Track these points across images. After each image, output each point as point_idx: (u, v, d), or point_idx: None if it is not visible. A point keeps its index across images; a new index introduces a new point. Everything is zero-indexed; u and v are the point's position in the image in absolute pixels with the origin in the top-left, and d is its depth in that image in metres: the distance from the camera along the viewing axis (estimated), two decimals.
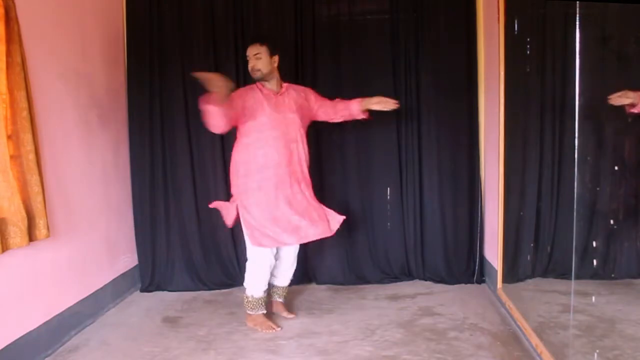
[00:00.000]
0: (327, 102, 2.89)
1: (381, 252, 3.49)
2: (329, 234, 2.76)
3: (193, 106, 3.41)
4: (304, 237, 2.72)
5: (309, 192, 2.79)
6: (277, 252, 2.82)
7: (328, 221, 2.77)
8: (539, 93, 2.96)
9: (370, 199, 3.48)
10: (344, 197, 3.44)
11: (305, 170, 2.80)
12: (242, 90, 2.75)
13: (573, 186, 2.27)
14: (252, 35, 3.19)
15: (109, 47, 3.31)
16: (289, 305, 3.02)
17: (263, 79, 2.71)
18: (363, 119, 2.88)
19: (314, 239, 2.75)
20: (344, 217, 2.81)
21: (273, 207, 2.67)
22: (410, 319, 2.80)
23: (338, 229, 2.80)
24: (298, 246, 2.89)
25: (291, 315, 2.91)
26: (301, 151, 2.77)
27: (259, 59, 2.67)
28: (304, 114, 2.80)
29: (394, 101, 2.76)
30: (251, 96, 2.70)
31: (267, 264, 2.73)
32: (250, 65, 2.70)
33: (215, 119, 2.47)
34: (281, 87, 2.77)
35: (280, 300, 2.95)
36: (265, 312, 2.80)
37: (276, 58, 2.72)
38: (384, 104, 2.75)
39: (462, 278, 3.38)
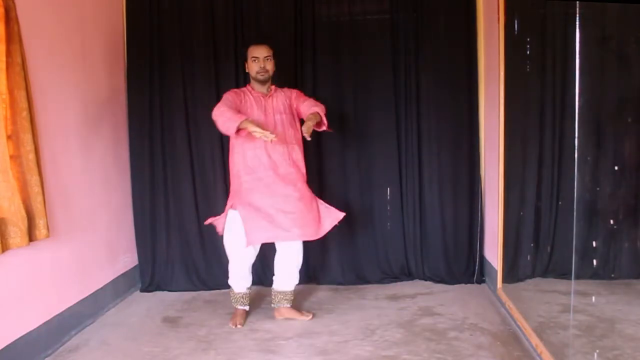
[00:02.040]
0: (306, 102, 2.83)
1: (381, 252, 3.49)
2: (313, 237, 2.78)
3: (193, 106, 3.43)
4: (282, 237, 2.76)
5: (301, 193, 2.76)
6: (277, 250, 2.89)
7: (319, 223, 2.78)
8: (539, 93, 2.96)
9: (370, 199, 3.48)
10: (344, 197, 3.44)
11: (301, 171, 2.82)
12: (233, 93, 2.77)
13: (573, 186, 2.27)
14: (256, 36, 3.25)
15: (109, 47, 3.31)
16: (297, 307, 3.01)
17: (266, 81, 2.79)
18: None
19: (298, 239, 2.79)
20: (334, 223, 2.81)
21: (264, 207, 2.72)
22: (410, 319, 2.80)
23: (331, 229, 2.83)
24: (297, 246, 2.86)
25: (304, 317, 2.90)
26: (293, 152, 2.78)
27: (270, 60, 2.78)
28: (292, 115, 2.83)
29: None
30: (242, 98, 2.76)
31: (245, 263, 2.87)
32: (259, 66, 2.75)
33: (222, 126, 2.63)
34: (270, 89, 2.83)
35: (286, 305, 2.92)
36: (242, 308, 2.90)
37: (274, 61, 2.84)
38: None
39: (462, 278, 3.38)
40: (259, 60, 2.75)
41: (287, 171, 2.74)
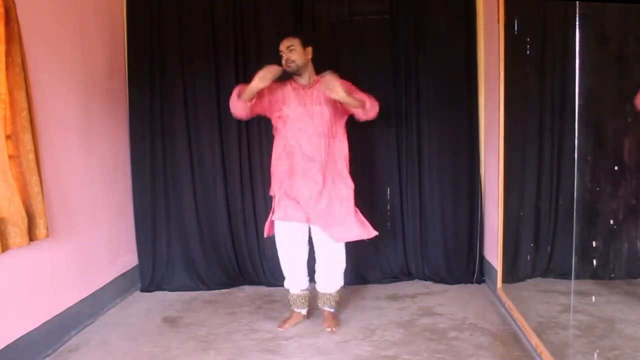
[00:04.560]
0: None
1: (381, 252, 3.48)
2: (332, 238, 2.64)
3: (193, 106, 3.43)
4: (309, 219, 2.65)
5: (338, 191, 2.65)
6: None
7: (343, 227, 2.64)
8: (539, 93, 2.96)
9: (370, 199, 3.47)
10: None
11: (339, 166, 2.67)
12: (275, 83, 2.66)
13: (573, 186, 2.27)
14: (256, 36, 3.18)
15: (109, 47, 3.31)
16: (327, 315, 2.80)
17: (297, 71, 2.65)
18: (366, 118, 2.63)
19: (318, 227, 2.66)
20: (367, 235, 2.69)
21: (292, 192, 2.65)
22: (410, 319, 2.80)
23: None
24: (335, 244, 2.70)
25: (327, 329, 2.70)
26: (332, 145, 2.64)
27: (292, 50, 2.62)
28: (336, 107, 2.64)
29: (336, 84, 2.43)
30: (280, 89, 2.69)
31: (288, 259, 2.76)
32: (284, 58, 2.63)
33: (236, 107, 2.60)
34: (312, 80, 2.69)
35: (326, 308, 2.78)
36: (299, 312, 2.81)
37: (310, 49, 2.65)
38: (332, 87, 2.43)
39: (462, 278, 3.38)
40: (284, 53, 2.63)
41: (321, 165, 2.62)
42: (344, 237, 2.68)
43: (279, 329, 2.74)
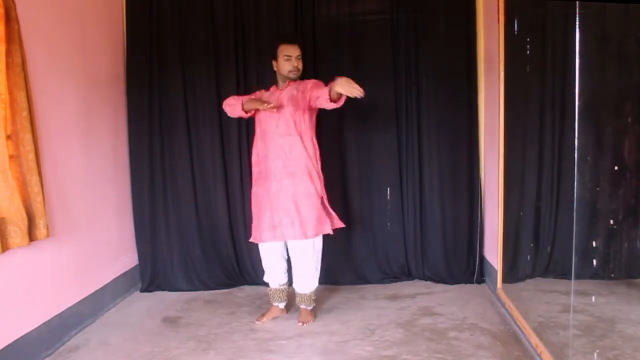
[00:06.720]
0: (319, 90, 2.63)
1: (381, 252, 3.49)
2: (301, 238, 2.68)
3: (193, 106, 3.43)
4: (279, 236, 2.73)
5: (304, 188, 2.70)
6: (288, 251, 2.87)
7: (316, 224, 2.71)
8: (539, 93, 2.96)
9: (370, 199, 3.48)
10: (344, 197, 3.44)
11: (301, 165, 2.70)
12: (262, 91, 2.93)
13: (573, 186, 2.27)
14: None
15: (109, 47, 3.31)
16: (301, 311, 2.87)
17: (297, 79, 2.78)
18: (335, 107, 2.59)
19: (291, 239, 2.73)
20: (336, 226, 2.84)
21: (262, 200, 2.78)
22: (410, 319, 2.80)
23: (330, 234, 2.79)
24: (304, 248, 2.73)
25: (299, 323, 2.80)
26: (295, 145, 2.70)
27: (301, 59, 2.76)
28: (297, 106, 2.71)
29: (358, 88, 2.35)
30: (264, 93, 2.87)
31: (267, 259, 2.88)
32: (292, 65, 2.73)
33: (233, 112, 2.83)
34: (287, 84, 2.79)
35: (302, 306, 2.84)
36: (277, 305, 2.91)
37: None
38: (347, 86, 2.35)
39: (462, 278, 3.38)
40: (292, 59, 2.72)
41: (284, 164, 2.70)
42: (307, 234, 2.70)
43: (257, 322, 2.83)
